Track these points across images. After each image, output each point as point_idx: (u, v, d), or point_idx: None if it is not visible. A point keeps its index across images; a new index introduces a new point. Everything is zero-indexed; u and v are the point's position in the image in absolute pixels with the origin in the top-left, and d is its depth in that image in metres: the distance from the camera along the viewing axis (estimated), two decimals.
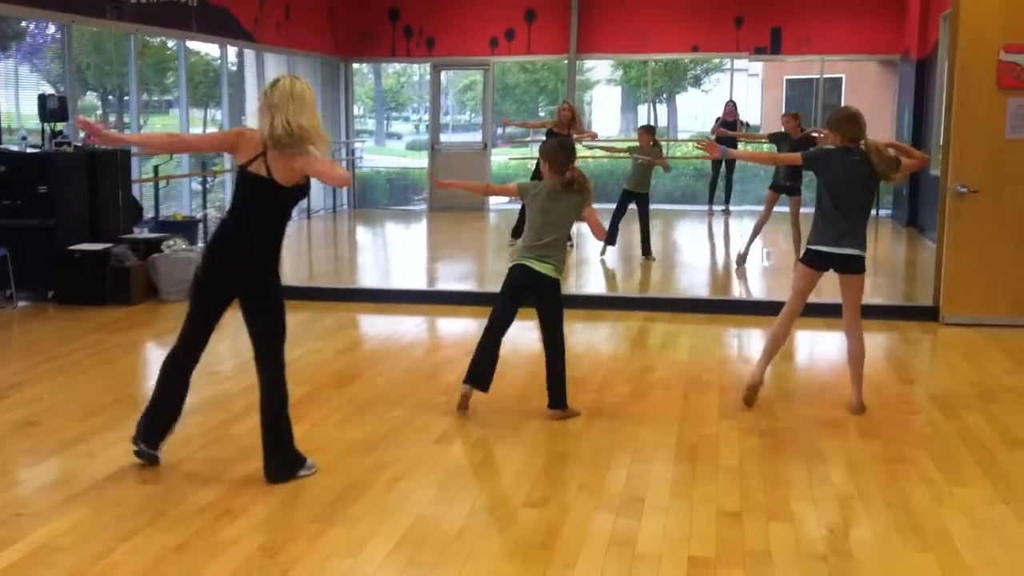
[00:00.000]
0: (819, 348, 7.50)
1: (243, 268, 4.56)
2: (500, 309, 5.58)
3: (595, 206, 5.61)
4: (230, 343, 6.20)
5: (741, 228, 14.79)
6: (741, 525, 4.08)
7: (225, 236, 4.64)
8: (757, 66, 23.43)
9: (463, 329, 8.26)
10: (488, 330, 5.57)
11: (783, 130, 10.70)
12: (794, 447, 5.08)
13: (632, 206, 11.17)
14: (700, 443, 5.10)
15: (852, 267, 5.57)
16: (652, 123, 14.46)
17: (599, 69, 25.77)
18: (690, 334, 7.72)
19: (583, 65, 21.18)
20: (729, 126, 15.62)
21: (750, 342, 7.63)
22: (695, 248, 13.32)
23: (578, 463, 4.81)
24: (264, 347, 4.61)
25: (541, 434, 5.24)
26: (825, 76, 17.24)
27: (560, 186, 5.44)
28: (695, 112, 28.02)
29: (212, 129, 15.64)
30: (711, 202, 15.94)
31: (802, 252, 5.83)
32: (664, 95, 27.70)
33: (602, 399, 5.84)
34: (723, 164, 15.72)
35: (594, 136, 12.46)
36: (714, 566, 3.70)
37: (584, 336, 7.43)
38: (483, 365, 5.53)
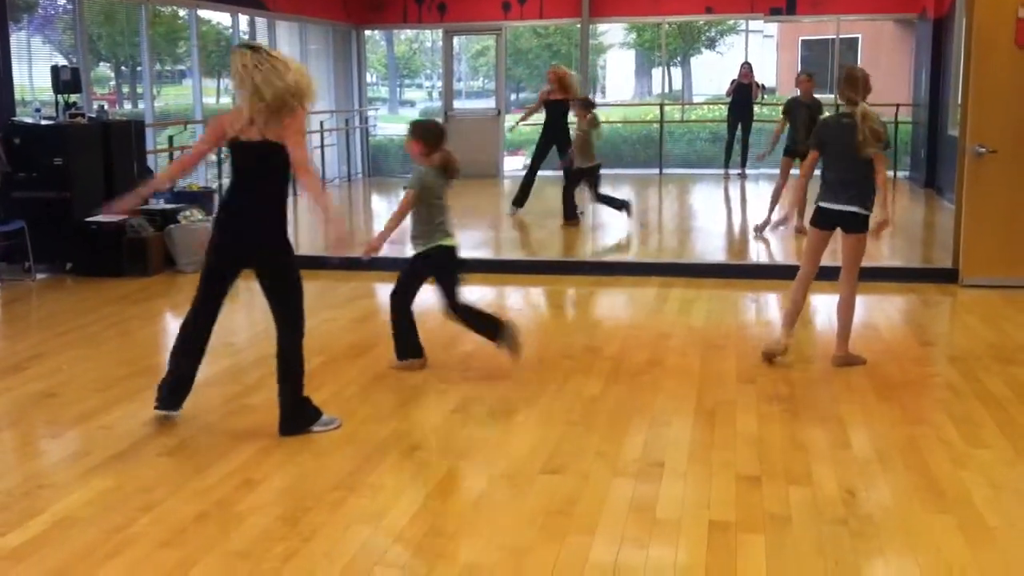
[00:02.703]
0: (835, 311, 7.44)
1: (252, 241, 4.58)
2: (411, 287, 5.79)
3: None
4: (245, 314, 6.22)
5: (758, 191, 14.71)
6: (760, 489, 4.07)
7: (231, 210, 4.66)
8: (772, 27, 23.23)
9: (478, 297, 8.26)
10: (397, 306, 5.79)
11: (797, 94, 10.55)
12: (812, 411, 5.07)
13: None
14: (718, 408, 5.09)
15: (854, 225, 5.67)
16: (671, 88, 14.17)
17: (612, 33, 25.61)
18: (707, 299, 7.69)
19: (596, 29, 21.01)
20: (744, 88, 15.50)
21: (767, 307, 7.60)
22: (711, 212, 13.24)
23: (596, 429, 4.81)
24: (281, 317, 4.64)
25: (558, 401, 5.24)
26: (841, 36, 17.05)
27: (436, 166, 5.66)
28: (710, 75, 27.84)
29: (225, 99, 15.61)
30: (727, 165, 15.83)
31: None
32: (678, 58, 27.52)
33: (619, 365, 5.83)
34: (739, 127, 15.60)
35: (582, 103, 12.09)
36: (734, 530, 3.70)
37: (601, 303, 7.42)
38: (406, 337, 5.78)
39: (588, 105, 11.02)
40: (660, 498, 4.00)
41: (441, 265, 5.70)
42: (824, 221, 5.74)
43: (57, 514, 3.89)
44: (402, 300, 5.76)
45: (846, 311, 5.83)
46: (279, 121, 4.46)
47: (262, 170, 4.57)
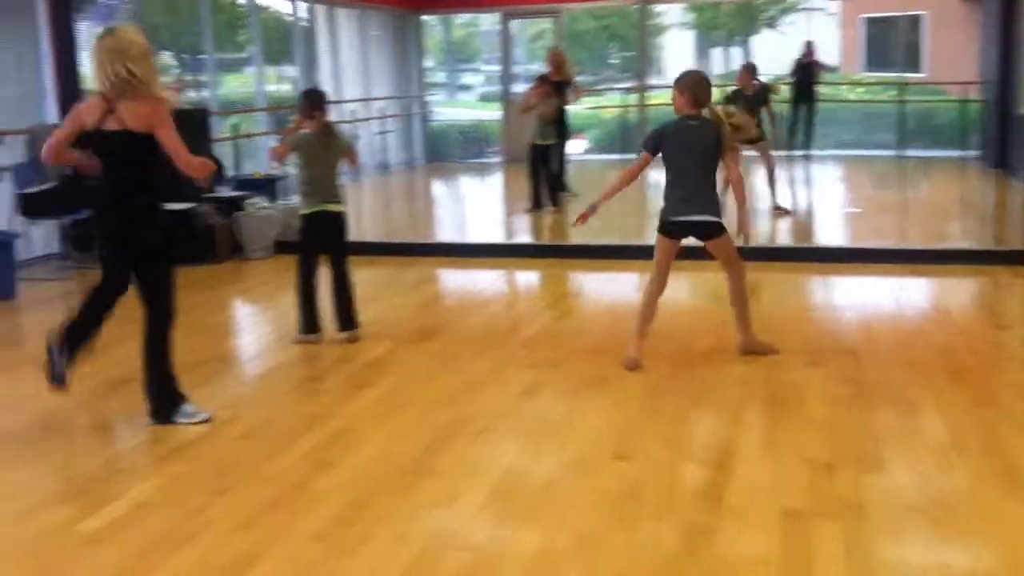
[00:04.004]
0: (905, 294, 7.34)
1: (126, 227, 4.69)
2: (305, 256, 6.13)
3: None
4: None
5: (823, 173, 14.53)
6: (832, 476, 4.03)
7: (104, 202, 4.74)
8: (835, 5, 22.81)
9: (541, 282, 8.27)
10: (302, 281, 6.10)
11: (737, 87, 10.55)
12: (883, 396, 5.00)
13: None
14: (787, 393, 5.04)
15: (711, 232, 5.45)
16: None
17: (671, 13, 25.34)
18: (771, 283, 7.61)
19: (654, 10, 20.83)
20: (806, 68, 15.28)
21: (834, 289, 7.50)
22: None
23: (664, 415, 4.79)
24: (148, 295, 4.74)
25: (624, 386, 5.23)
26: (906, 14, 16.72)
27: (323, 133, 5.99)
28: (770, 54, 27.47)
29: (286, 86, 15.75)
30: (790, 147, 15.62)
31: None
32: (738, 38, 27.19)
33: (685, 351, 5.80)
34: (803, 106, 15.39)
35: (575, 86, 12.02)
36: (807, 517, 3.66)
37: (672, 289, 7.36)
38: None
39: (543, 80, 11.14)
40: (730, 484, 3.97)
41: None
42: (676, 233, 5.49)
43: (134, 498, 3.97)
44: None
45: (741, 295, 5.66)
46: (134, 105, 4.51)
47: (127, 156, 4.61)
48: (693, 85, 5.41)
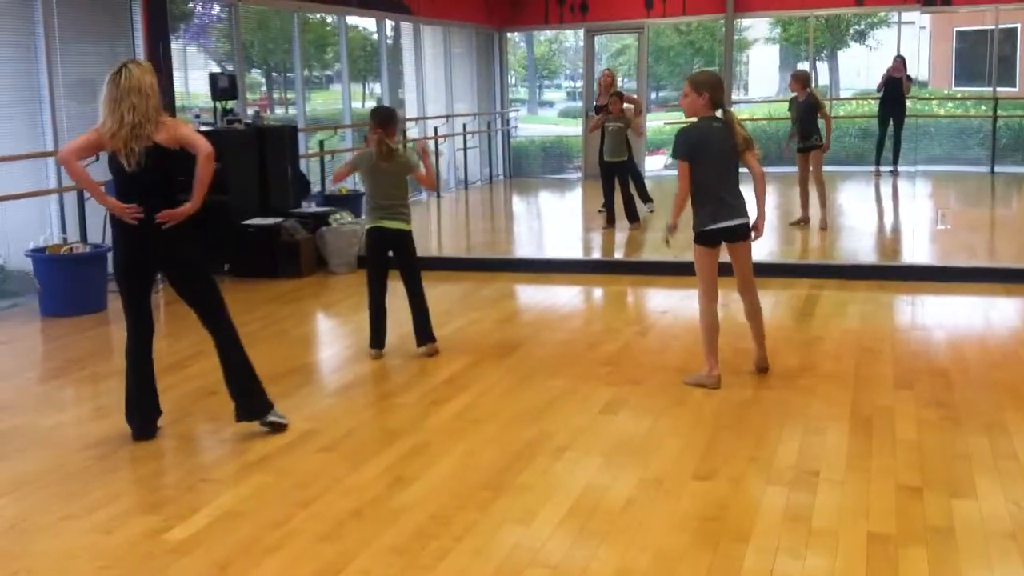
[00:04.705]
0: (997, 314, 7.13)
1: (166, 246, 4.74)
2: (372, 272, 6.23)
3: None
4: (392, 318, 6.30)
5: (912, 190, 14.22)
6: (922, 500, 3.92)
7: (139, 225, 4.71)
8: (925, 18, 22.36)
9: (620, 299, 8.22)
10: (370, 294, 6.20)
11: (793, 93, 10.82)
12: (975, 419, 4.85)
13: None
14: (875, 414, 4.92)
15: (744, 234, 5.38)
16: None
17: (756, 27, 25.09)
18: (860, 302, 7.46)
19: (739, 24, 20.64)
20: (896, 82, 14.99)
21: (924, 309, 7.32)
22: (862, 211, 12.85)
23: (747, 435, 4.72)
24: (204, 310, 4.91)
25: (707, 405, 5.16)
26: (999, 26, 16.30)
27: (380, 152, 5.99)
28: (857, 69, 27.01)
29: (371, 103, 15.96)
30: (878, 163, 15.32)
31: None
32: (825, 52, 26.80)
33: (771, 369, 5.70)
34: (890, 122, 15.09)
35: (636, 103, 12.22)
36: (895, 543, 3.57)
37: None
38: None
39: (620, 96, 11.15)
40: (816, 507, 3.89)
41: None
42: (713, 240, 5.40)
43: (219, 508, 4.04)
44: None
45: (758, 314, 5.61)
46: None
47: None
48: (712, 86, 5.33)
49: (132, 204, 4.63)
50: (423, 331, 6.18)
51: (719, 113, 5.34)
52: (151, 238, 4.67)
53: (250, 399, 4.87)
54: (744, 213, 5.37)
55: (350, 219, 9.51)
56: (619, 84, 12.62)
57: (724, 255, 5.44)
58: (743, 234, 5.37)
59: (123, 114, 4.52)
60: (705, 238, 5.35)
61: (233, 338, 4.92)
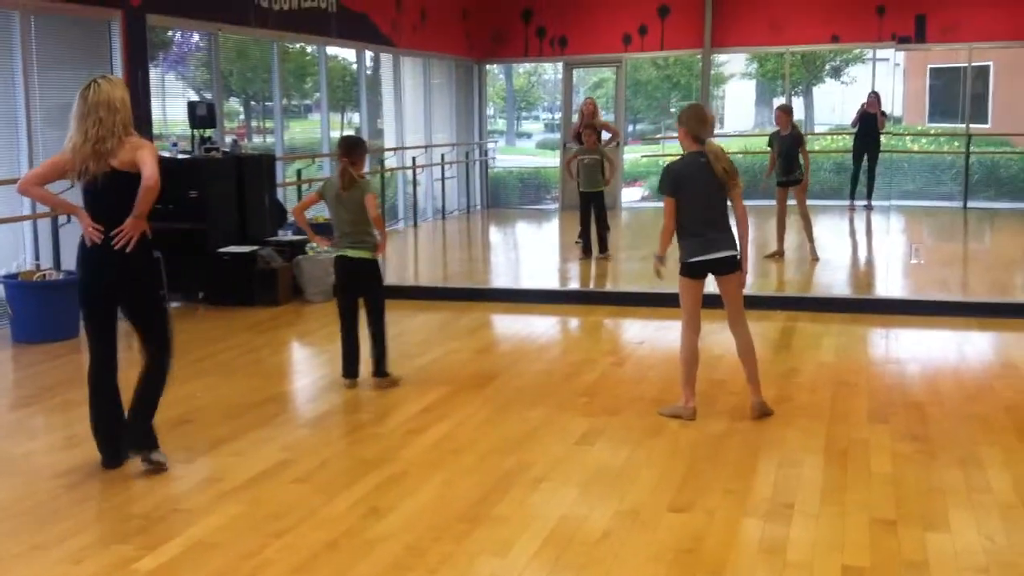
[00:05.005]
0: (971, 348, 7.18)
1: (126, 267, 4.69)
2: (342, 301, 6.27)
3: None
4: (365, 348, 6.28)
5: (886, 224, 14.35)
6: (896, 534, 3.93)
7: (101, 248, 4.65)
8: (899, 56, 22.67)
9: (598, 329, 8.23)
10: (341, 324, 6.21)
11: (776, 127, 10.86)
12: (949, 452, 4.88)
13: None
14: (850, 447, 4.94)
15: (732, 267, 5.38)
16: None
17: (733, 63, 25.36)
18: (835, 334, 7.50)
19: (716, 59, 20.86)
20: (870, 118, 15.16)
21: (898, 343, 7.37)
22: (837, 245, 12.92)
23: (723, 467, 4.72)
24: (146, 330, 4.86)
25: (683, 436, 5.16)
26: (972, 64, 16.54)
27: (343, 181, 6.05)
28: (833, 104, 27.32)
29: (349, 131, 15.97)
30: (852, 197, 15.46)
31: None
32: (800, 87, 27.10)
33: (746, 401, 5.70)
34: (864, 157, 15.25)
35: (614, 132, 12.38)
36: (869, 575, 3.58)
37: (723, 336, 7.28)
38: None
39: (594, 129, 11.30)
40: (791, 540, 3.89)
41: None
42: (699, 272, 5.41)
43: (191, 538, 3.99)
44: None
45: (751, 353, 5.54)
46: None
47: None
48: (689, 120, 5.38)
49: (100, 224, 4.58)
50: (376, 363, 6.18)
51: (704, 147, 5.38)
52: (108, 260, 4.61)
53: (146, 432, 4.77)
54: (731, 246, 5.39)
55: (326, 248, 9.48)
56: (601, 115, 12.66)
57: (710, 287, 5.46)
58: (730, 266, 5.39)
59: (87, 129, 4.47)
60: (690, 270, 5.38)
61: (162, 375, 4.84)
